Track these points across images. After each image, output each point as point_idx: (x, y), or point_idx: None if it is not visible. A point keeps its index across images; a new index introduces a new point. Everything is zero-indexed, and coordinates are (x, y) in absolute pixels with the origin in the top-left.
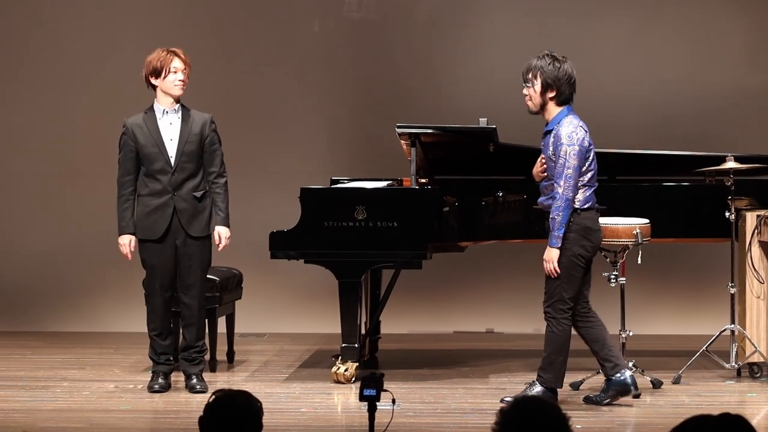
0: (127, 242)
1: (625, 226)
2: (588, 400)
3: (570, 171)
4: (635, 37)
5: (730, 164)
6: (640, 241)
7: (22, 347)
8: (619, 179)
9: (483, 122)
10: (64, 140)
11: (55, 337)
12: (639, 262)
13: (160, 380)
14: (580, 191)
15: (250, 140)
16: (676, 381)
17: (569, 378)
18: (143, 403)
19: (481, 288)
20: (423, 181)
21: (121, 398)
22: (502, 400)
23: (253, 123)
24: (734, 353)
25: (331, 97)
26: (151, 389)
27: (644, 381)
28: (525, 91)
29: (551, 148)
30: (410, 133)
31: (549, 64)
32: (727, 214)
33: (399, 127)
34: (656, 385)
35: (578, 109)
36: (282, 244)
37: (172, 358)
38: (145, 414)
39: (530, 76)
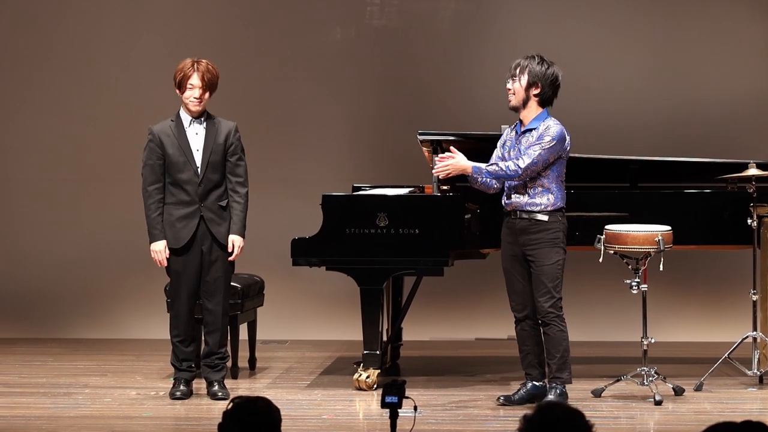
0: (161, 248)
1: (647, 233)
2: (507, 399)
3: (540, 162)
4: (658, 44)
5: (753, 171)
6: (662, 248)
7: (43, 354)
8: (641, 186)
9: (504, 129)
10: (85, 146)
11: (76, 344)
12: (661, 269)
13: (181, 387)
14: (562, 189)
15: (272, 147)
16: (698, 388)
17: (591, 385)
18: (165, 410)
19: (503, 295)
20: (445, 188)
21: (143, 405)
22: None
23: (274, 130)
24: (756, 360)
25: (353, 104)
26: (173, 396)
27: (666, 388)
28: (509, 86)
29: (530, 142)
30: (432, 140)
31: (538, 63)
32: (749, 221)
33: (420, 134)
34: (678, 392)
35: (601, 115)
36: (304, 251)
37: (194, 365)
38: (166, 421)
39: (518, 71)
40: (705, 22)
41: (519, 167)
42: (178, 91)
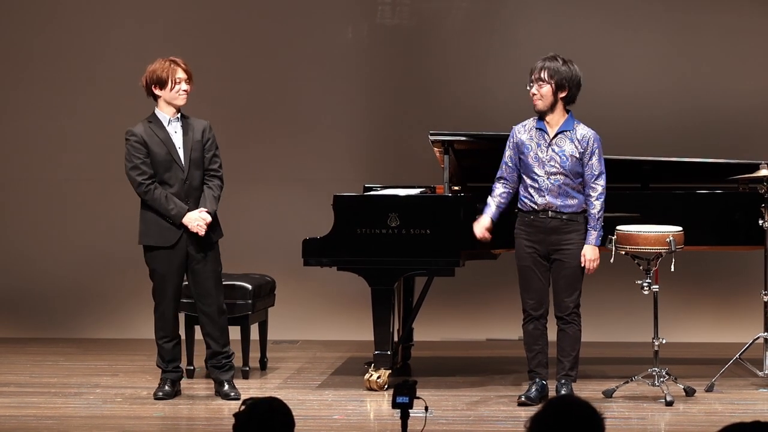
0: (197, 215)
1: (658, 233)
2: (528, 399)
3: (604, 171)
4: (671, 45)
5: (765, 172)
6: (673, 249)
7: (55, 354)
8: (652, 187)
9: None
10: (98, 146)
11: (88, 344)
12: (672, 269)
13: (166, 387)
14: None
15: (283, 147)
16: (709, 389)
17: (602, 386)
18: (176, 410)
19: (514, 295)
20: (456, 188)
21: (154, 405)
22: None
23: (285, 129)
24: (767, 361)
25: (364, 104)
26: (156, 396)
27: (677, 389)
28: (535, 90)
29: (575, 147)
30: (443, 141)
31: (563, 65)
32: (760, 221)
33: (432, 134)
34: (689, 392)
35: (613, 116)
36: (315, 252)
37: (179, 366)
38: (178, 421)
39: (544, 75)
40: (717, 22)
41: (604, 188)
42: (158, 90)
